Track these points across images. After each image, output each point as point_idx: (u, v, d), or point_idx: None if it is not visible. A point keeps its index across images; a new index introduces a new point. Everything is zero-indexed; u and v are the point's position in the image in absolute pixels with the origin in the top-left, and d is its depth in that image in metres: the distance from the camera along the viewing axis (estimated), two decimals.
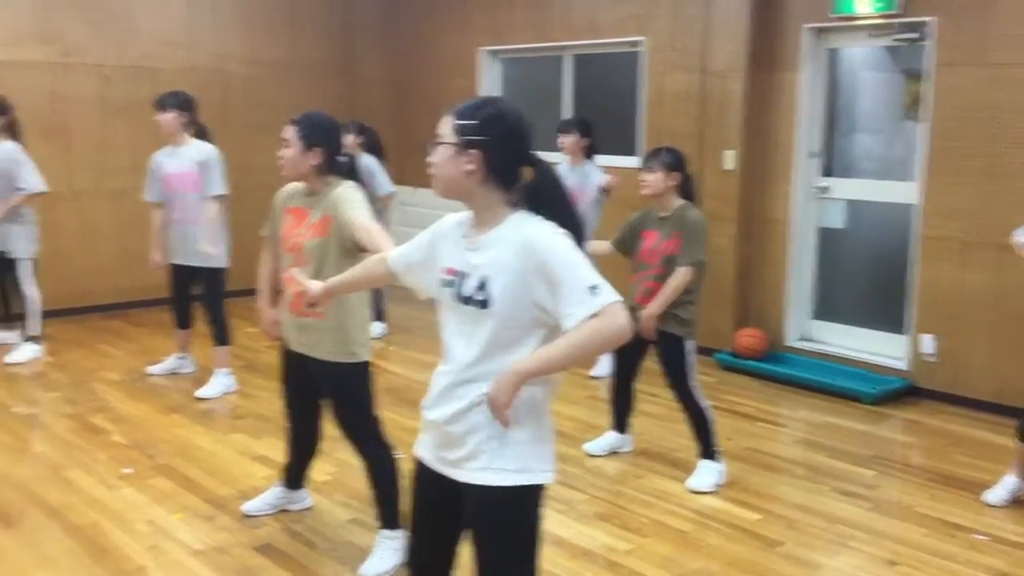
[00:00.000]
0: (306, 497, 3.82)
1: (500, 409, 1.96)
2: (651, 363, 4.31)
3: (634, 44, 6.71)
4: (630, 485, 4.13)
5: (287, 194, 3.39)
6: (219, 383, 5.31)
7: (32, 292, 5.91)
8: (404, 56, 8.46)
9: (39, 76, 6.81)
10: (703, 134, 6.19)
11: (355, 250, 3.16)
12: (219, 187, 5.22)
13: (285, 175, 3.29)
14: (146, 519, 3.69)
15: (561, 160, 5.50)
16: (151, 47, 7.31)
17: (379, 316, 6.51)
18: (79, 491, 3.94)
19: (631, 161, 6.75)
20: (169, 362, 5.69)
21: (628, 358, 4.29)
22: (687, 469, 4.20)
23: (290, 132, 3.23)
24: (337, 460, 4.19)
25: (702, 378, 4.25)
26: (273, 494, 3.76)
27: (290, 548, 3.46)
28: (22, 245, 5.87)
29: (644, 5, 6.56)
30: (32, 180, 5.74)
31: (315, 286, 2.59)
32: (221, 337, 5.34)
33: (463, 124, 2.05)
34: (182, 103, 5.20)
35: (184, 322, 5.57)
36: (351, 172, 3.36)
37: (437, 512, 2.23)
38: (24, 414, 4.97)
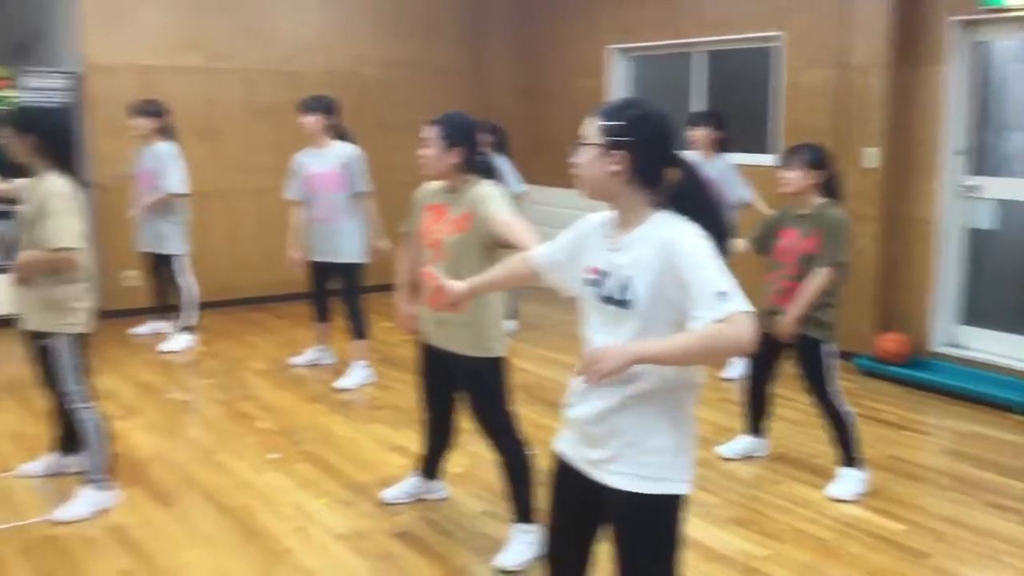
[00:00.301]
0: (442, 488, 3.91)
1: (596, 373, 1.95)
2: (789, 367, 4.22)
3: (769, 39, 6.57)
4: (767, 490, 4.05)
5: (427, 192, 3.48)
6: (357, 375, 5.49)
7: (187, 284, 6.27)
8: (533, 57, 8.53)
9: (191, 81, 7.19)
10: (842, 131, 6.00)
11: (495, 246, 3.22)
12: (365, 185, 5.41)
13: (426, 174, 3.38)
14: (291, 503, 3.86)
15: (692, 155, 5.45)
16: (292, 52, 7.62)
17: (511, 313, 6.59)
18: (230, 474, 4.16)
19: (765, 159, 6.62)
20: (310, 354, 5.92)
21: (764, 361, 4.21)
22: (826, 476, 4.09)
23: (431, 132, 3.31)
24: (471, 453, 4.27)
25: (842, 383, 4.13)
26: (410, 483, 3.87)
27: (427, 536, 3.56)
28: (175, 243, 6.24)
29: None
30: (171, 181, 6.06)
31: (457, 286, 2.63)
32: (359, 331, 5.52)
33: (609, 125, 2.06)
34: (325, 106, 5.41)
35: (323, 316, 5.79)
36: (489, 170, 3.42)
37: (576, 508, 2.25)
38: (180, 400, 5.26)
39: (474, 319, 3.30)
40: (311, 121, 5.39)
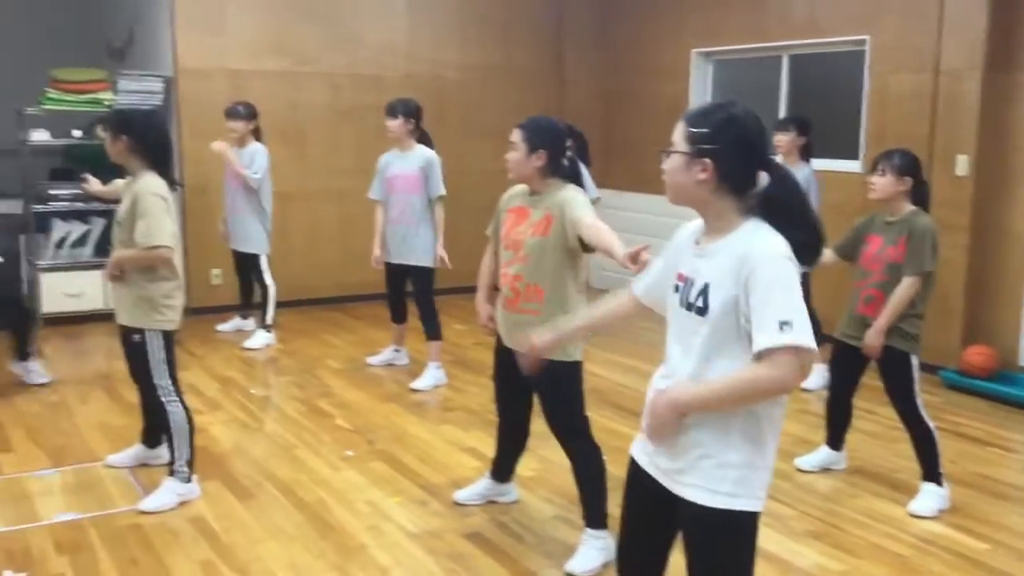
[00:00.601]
0: (513, 491, 3.93)
1: (656, 438, 2.06)
2: (870, 378, 4.11)
3: (858, 43, 6.42)
4: (844, 504, 3.95)
5: (511, 195, 3.50)
6: (431, 376, 5.55)
7: (269, 284, 6.43)
8: (614, 61, 8.50)
9: (278, 84, 7.36)
10: (932, 137, 5.83)
11: (577, 250, 3.23)
12: (439, 189, 5.47)
13: (511, 177, 3.39)
14: (366, 500, 3.92)
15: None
16: (375, 56, 7.74)
17: None
18: (307, 469, 4.24)
19: (852, 165, 6.48)
20: (386, 354, 6.01)
21: (847, 372, 4.11)
22: (906, 491, 3.97)
23: (516, 135, 3.32)
24: (541, 457, 4.28)
25: (925, 396, 4.01)
26: (483, 485, 3.89)
27: (498, 539, 3.57)
28: (260, 243, 6.42)
29: (870, 2, 6.26)
30: (255, 169, 6.25)
31: (544, 338, 2.59)
32: (432, 332, 5.58)
33: (694, 132, 2.02)
34: (410, 110, 5.49)
35: (399, 317, 5.87)
36: (574, 175, 3.42)
37: (649, 516, 2.23)
38: (259, 396, 5.40)
39: (551, 321, 3.29)
40: (396, 124, 5.47)
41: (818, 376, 5.13)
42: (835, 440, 4.29)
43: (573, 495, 3.74)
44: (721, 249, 2.02)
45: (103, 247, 7.07)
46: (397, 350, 5.99)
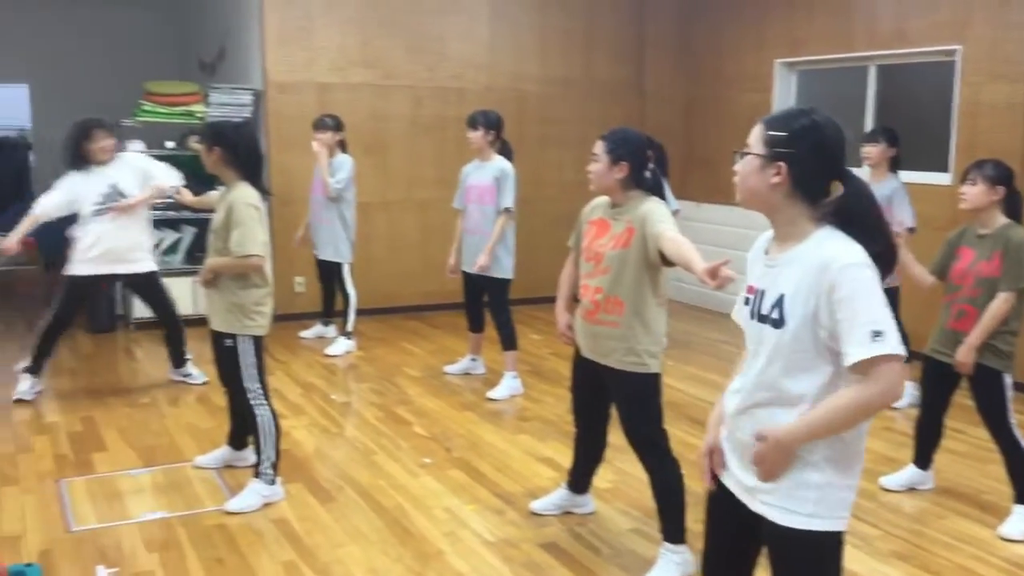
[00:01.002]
0: (589, 502, 3.92)
1: (773, 479, 2.00)
2: (959, 396, 3.99)
3: (948, 53, 6.25)
4: (931, 525, 3.84)
5: (592, 206, 3.51)
6: (507, 385, 5.57)
7: (351, 293, 6.56)
8: (696, 72, 8.44)
9: (362, 97, 7.51)
10: None
11: (658, 263, 3.22)
12: (508, 201, 5.50)
13: (592, 188, 3.40)
14: (443, 506, 3.96)
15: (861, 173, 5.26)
16: (458, 69, 7.84)
17: None
18: (386, 475, 4.31)
19: (941, 178, 6.31)
20: (463, 363, 6.06)
21: (939, 390, 4.00)
22: (996, 513, 3.85)
23: (599, 147, 3.33)
24: (618, 469, 4.27)
25: (1017, 416, 3.88)
26: (559, 495, 3.90)
27: (574, 550, 3.57)
28: (344, 251, 6.54)
29: (960, 11, 6.10)
30: (337, 178, 6.36)
31: (777, 435, 2.00)
32: (508, 342, 5.61)
33: (772, 135, 1.99)
34: (490, 122, 5.54)
35: (476, 326, 5.92)
36: (656, 187, 3.41)
37: (732, 531, 2.20)
38: (340, 402, 5.50)
39: (630, 333, 3.29)
40: (476, 136, 5.54)
41: (907, 394, 5.00)
42: (923, 459, 4.18)
43: (650, 508, 3.72)
44: (795, 258, 1.97)
45: (194, 254, 7.31)
46: (474, 359, 6.04)
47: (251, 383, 3.90)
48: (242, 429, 4.22)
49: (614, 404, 3.47)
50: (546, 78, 8.20)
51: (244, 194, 3.83)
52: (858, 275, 1.89)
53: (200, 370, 5.73)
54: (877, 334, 1.84)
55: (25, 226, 5.27)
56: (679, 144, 8.56)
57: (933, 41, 6.31)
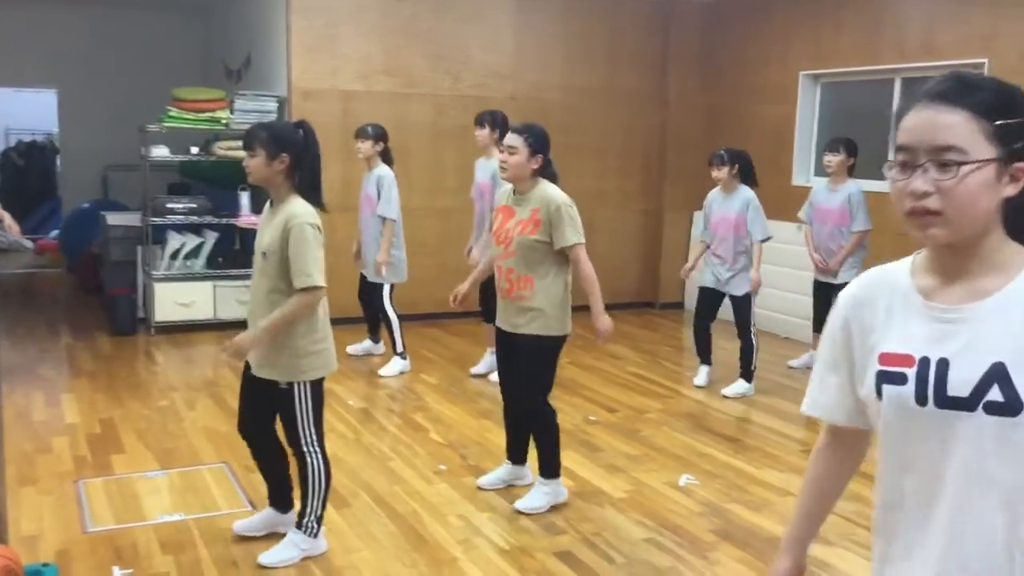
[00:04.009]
0: (528, 474, 4.20)
1: None
2: None
3: (975, 66, 6.19)
4: None
5: (499, 195, 4.21)
6: (487, 362, 5.70)
7: (391, 316, 6.26)
8: (718, 82, 8.41)
9: (386, 105, 7.54)
10: None
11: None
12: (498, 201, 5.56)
13: (506, 177, 3.89)
14: (457, 514, 3.95)
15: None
16: (481, 78, 7.86)
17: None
18: (401, 481, 4.31)
19: None
20: (487, 359, 6.07)
21: None
22: None
23: (517, 140, 3.77)
24: (633, 479, 4.26)
25: None
26: (503, 471, 4.24)
27: (588, 559, 3.55)
28: (385, 272, 6.19)
29: (989, 24, 6.04)
30: (386, 206, 6.04)
31: None
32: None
33: (1006, 125, 1.28)
34: (495, 120, 5.79)
35: (490, 317, 5.91)
36: (553, 177, 3.89)
37: None
38: (357, 407, 5.51)
39: (538, 305, 3.78)
40: (483, 135, 5.77)
41: None
42: None
43: (664, 519, 3.70)
44: (1005, 305, 1.29)
45: (214, 259, 7.36)
46: (494, 352, 6.03)
47: (307, 428, 3.37)
48: (283, 485, 3.63)
49: (521, 367, 3.85)
50: (569, 87, 8.20)
51: (304, 211, 3.23)
52: None
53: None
54: None
55: None
56: (700, 154, 8.47)
57: (961, 54, 6.25)
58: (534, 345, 3.81)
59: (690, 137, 8.50)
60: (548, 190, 3.80)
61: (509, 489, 4.22)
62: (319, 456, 3.42)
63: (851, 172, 5.94)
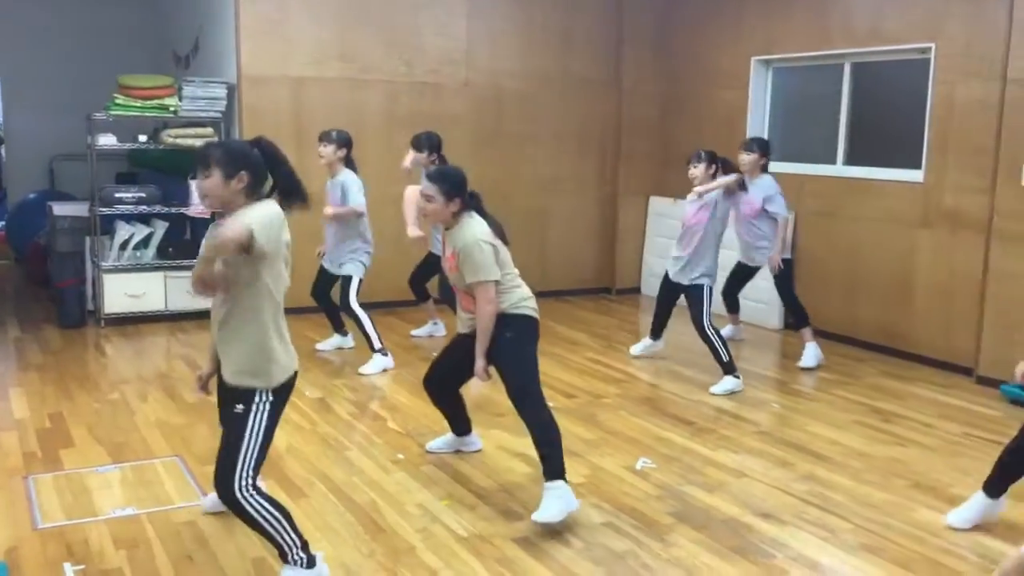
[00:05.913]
0: (477, 440, 4.52)
1: None
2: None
3: (923, 51, 6.29)
4: (900, 518, 3.85)
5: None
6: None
7: (358, 312, 6.06)
8: (673, 69, 8.45)
9: (338, 91, 7.47)
10: (998, 147, 5.69)
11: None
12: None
13: (431, 223, 4.08)
14: (416, 502, 3.94)
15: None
16: (434, 65, 7.80)
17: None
18: (359, 471, 4.28)
19: (914, 175, 6.38)
20: (427, 327, 6.71)
21: None
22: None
23: (432, 189, 3.83)
24: (591, 463, 4.28)
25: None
26: (449, 438, 4.52)
27: (546, 544, 3.56)
28: (348, 267, 6.14)
29: (935, 9, 6.14)
30: (354, 198, 5.98)
31: None
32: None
33: None
34: (433, 144, 6.30)
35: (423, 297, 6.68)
36: (479, 209, 3.94)
37: None
38: (313, 398, 5.46)
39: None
40: (421, 157, 6.36)
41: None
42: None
43: (622, 502, 3.72)
44: None
45: (165, 250, 7.24)
46: (435, 323, 6.77)
47: (241, 457, 3.06)
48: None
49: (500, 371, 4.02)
50: (524, 74, 8.18)
51: (265, 212, 2.98)
52: None
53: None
54: None
55: None
56: (655, 141, 8.59)
57: (908, 39, 6.35)
58: (503, 350, 3.99)
59: (645, 122, 8.55)
60: (464, 231, 3.86)
61: (467, 477, 4.22)
62: (256, 497, 3.10)
63: (764, 169, 6.18)
